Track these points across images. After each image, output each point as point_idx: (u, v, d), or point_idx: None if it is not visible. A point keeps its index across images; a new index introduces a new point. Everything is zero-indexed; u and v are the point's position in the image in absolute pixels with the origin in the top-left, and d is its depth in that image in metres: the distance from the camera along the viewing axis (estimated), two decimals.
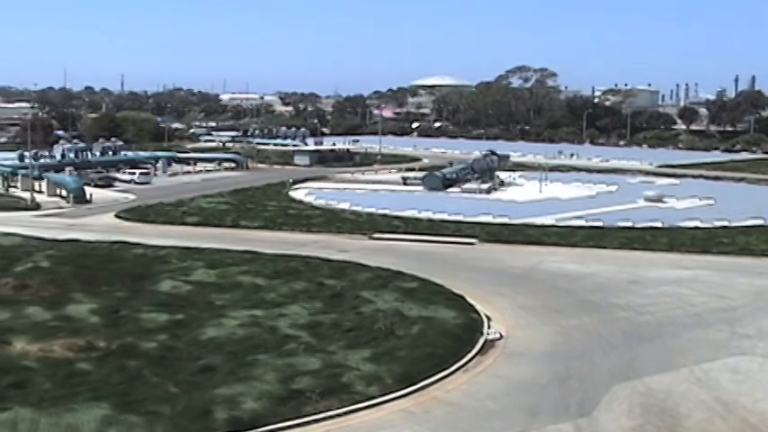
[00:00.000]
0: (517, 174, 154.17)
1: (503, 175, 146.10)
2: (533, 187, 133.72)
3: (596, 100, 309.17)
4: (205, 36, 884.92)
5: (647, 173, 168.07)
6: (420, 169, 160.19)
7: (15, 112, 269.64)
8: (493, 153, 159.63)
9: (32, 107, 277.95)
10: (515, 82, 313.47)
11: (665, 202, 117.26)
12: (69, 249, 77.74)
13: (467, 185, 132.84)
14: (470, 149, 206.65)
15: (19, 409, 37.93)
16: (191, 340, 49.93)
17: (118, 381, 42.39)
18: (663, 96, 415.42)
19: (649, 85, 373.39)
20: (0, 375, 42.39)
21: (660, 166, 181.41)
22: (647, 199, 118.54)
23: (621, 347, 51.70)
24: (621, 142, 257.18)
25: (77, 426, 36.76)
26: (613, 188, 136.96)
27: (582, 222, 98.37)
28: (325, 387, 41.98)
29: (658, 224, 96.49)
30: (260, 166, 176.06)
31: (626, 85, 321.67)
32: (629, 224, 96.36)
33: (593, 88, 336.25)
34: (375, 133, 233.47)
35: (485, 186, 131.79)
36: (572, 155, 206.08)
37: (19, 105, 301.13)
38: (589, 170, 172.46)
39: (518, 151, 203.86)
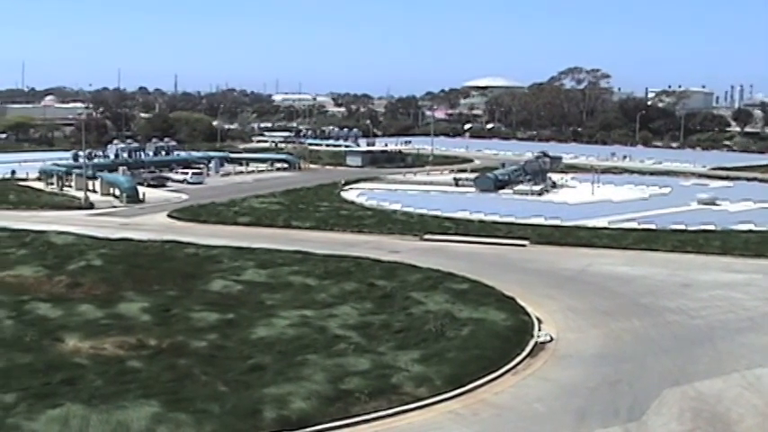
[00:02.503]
0: (569, 175, 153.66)
1: (555, 176, 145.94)
2: (585, 189, 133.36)
3: (649, 101, 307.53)
4: (258, 37, 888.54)
5: (701, 175, 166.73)
6: (472, 170, 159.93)
7: (70, 112, 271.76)
8: (545, 155, 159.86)
9: (87, 107, 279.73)
10: (568, 83, 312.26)
11: (718, 205, 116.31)
12: (122, 248, 78.50)
13: (519, 187, 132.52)
14: (522, 151, 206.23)
15: (70, 406, 38.40)
16: (241, 340, 50.23)
17: (168, 379, 42.79)
18: (717, 98, 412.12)
19: (703, 86, 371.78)
20: (52, 372, 42.97)
21: (714, 169, 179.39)
22: (701, 202, 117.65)
23: (672, 351, 51.35)
24: (675, 144, 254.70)
25: (127, 423, 37.14)
26: (666, 190, 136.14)
27: (634, 225, 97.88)
28: (374, 388, 42.08)
29: (711, 227, 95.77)
30: (312, 166, 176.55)
31: (680, 86, 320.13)
32: (681, 227, 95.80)
33: (646, 90, 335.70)
34: (427, 134, 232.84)
35: (537, 188, 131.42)
36: (625, 157, 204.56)
37: (74, 105, 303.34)
38: (642, 172, 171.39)
39: (570, 153, 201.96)
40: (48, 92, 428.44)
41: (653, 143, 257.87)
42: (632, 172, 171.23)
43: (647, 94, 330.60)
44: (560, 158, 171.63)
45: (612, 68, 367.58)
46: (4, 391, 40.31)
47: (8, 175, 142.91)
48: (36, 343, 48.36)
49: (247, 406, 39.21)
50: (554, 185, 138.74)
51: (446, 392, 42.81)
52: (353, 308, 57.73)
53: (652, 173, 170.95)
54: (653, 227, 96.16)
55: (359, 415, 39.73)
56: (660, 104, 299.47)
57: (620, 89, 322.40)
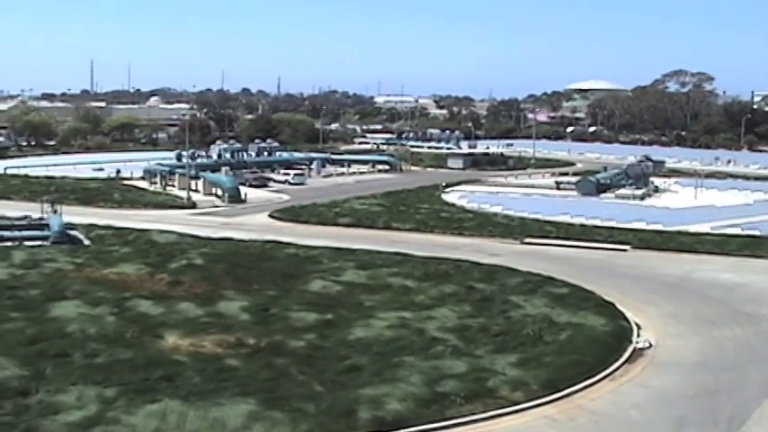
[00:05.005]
0: (672, 180, 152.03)
1: (657, 181, 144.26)
2: (688, 194, 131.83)
3: (755, 105, 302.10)
4: (361, 39, 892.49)
5: None
6: (574, 174, 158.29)
7: (174, 112, 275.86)
8: (648, 158, 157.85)
9: (191, 108, 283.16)
10: (672, 86, 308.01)
11: None
12: (223, 247, 79.58)
13: (621, 191, 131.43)
14: (625, 155, 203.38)
15: (168, 402, 39.14)
16: (338, 340, 50.58)
17: (265, 377, 43.30)
18: None
19: None
20: (152, 368, 43.78)
21: None
22: None
23: None
24: None
25: (224, 420, 37.67)
26: None
27: (738, 231, 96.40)
28: (470, 391, 42.08)
29: None
30: (413, 168, 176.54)
31: None
32: None
33: (752, 93, 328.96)
34: (529, 137, 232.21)
35: (639, 192, 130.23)
36: (729, 161, 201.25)
37: (178, 106, 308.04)
38: (746, 177, 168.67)
39: (673, 157, 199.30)
40: (153, 93, 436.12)
41: (759, 148, 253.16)
42: (736, 177, 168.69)
43: (752, 97, 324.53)
44: (663, 162, 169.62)
45: (718, 71, 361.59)
46: (105, 385, 41.22)
47: (113, 175, 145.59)
48: (137, 339, 49.33)
49: (343, 406, 39.47)
50: (656, 190, 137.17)
51: (542, 397, 42.65)
52: (452, 310, 57.75)
53: (757, 178, 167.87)
54: (757, 233, 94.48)
55: (454, 418, 39.72)
56: (767, 108, 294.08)
57: (725, 92, 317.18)
